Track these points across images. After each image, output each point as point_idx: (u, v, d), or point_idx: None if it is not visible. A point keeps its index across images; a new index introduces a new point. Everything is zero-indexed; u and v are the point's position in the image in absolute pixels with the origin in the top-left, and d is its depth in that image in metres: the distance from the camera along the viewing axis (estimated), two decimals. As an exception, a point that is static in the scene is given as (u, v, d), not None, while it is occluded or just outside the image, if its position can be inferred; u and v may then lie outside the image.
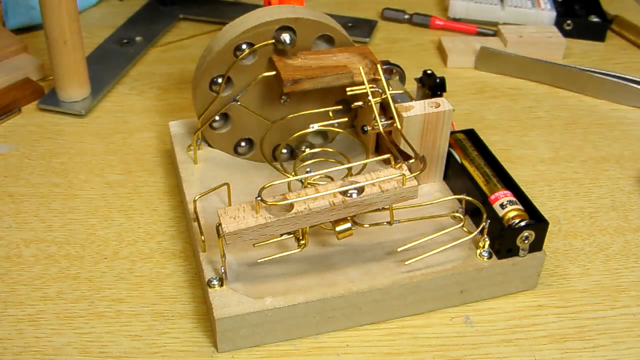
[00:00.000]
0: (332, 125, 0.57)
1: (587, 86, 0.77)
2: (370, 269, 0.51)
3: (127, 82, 0.77)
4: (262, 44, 0.56)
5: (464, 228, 0.54)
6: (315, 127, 0.55)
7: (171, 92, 0.76)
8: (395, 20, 0.91)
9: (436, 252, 0.51)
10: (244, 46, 0.56)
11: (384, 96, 0.55)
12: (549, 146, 0.70)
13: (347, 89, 0.56)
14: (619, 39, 0.88)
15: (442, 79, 0.61)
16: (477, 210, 0.53)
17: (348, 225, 0.50)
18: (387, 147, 0.54)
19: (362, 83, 0.56)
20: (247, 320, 0.48)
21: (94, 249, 0.57)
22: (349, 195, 0.48)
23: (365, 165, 0.58)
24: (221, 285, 0.49)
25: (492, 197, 0.54)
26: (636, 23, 0.88)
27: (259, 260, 0.51)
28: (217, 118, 0.59)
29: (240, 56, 0.56)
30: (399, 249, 0.51)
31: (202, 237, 0.52)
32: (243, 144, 0.61)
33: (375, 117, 0.55)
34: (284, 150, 0.62)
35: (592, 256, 0.58)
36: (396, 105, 0.55)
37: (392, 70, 0.62)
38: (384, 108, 0.56)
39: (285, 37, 0.55)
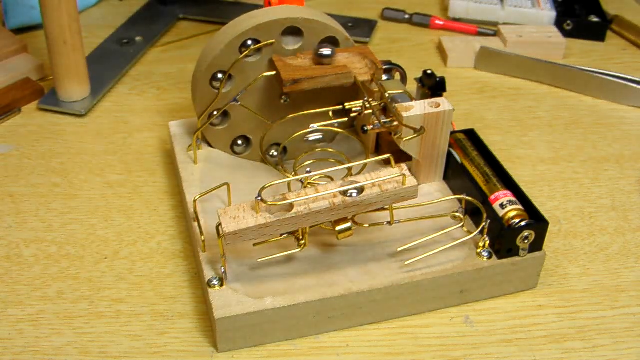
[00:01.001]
0: (332, 125, 0.57)
1: (587, 86, 0.77)
2: (370, 269, 0.51)
3: (127, 82, 0.77)
4: (266, 42, 0.56)
5: (464, 228, 0.54)
6: (315, 127, 0.55)
7: (171, 92, 0.76)
8: (395, 20, 0.91)
9: (436, 252, 0.51)
10: (249, 42, 0.56)
11: (383, 101, 0.55)
12: (549, 146, 0.70)
13: (346, 103, 0.56)
14: (619, 39, 0.88)
15: (442, 79, 0.61)
16: (477, 210, 0.53)
17: (348, 225, 0.50)
18: (388, 141, 0.54)
19: (363, 83, 0.56)
20: (247, 320, 0.48)
21: (94, 249, 0.57)
22: (349, 195, 0.48)
23: (365, 165, 0.58)
24: (221, 285, 0.49)
25: (492, 197, 0.54)
26: (636, 23, 0.88)
27: (259, 260, 0.51)
28: (214, 113, 0.59)
29: (245, 52, 0.56)
30: (399, 249, 0.51)
31: (202, 237, 0.52)
32: (240, 142, 0.61)
33: (375, 117, 0.55)
34: (274, 153, 0.61)
35: (592, 256, 0.58)
36: (396, 105, 0.55)
37: (394, 70, 0.62)
38: (385, 108, 0.56)
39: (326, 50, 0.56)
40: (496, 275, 0.52)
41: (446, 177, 0.59)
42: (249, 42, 0.56)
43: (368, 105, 0.55)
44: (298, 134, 0.57)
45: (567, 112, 0.75)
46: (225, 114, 0.60)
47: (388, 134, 0.58)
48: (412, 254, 0.51)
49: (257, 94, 0.59)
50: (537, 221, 0.52)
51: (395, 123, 0.54)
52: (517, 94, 0.78)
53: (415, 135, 0.53)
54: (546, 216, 0.52)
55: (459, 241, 0.52)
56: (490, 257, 0.52)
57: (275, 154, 0.61)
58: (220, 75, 0.57)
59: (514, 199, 0.53)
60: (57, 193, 0.62)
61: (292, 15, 0.56)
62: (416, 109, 0.55)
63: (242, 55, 0.56)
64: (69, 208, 0.61)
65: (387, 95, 0.55)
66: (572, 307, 0.53)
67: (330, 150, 0.60)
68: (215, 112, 0.59)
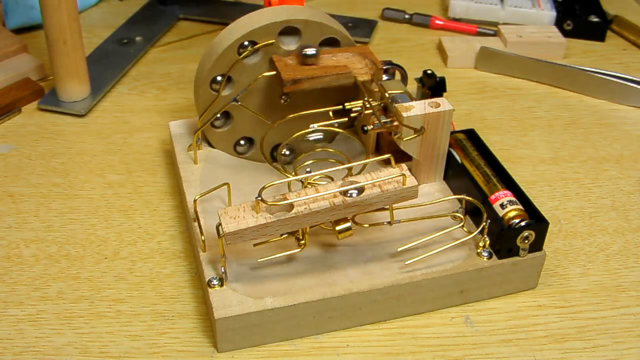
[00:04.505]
0: (332, 125, 0.57)
1: (587, 86, 0.77)
2: (370, 269, 0.51)
3: (127, 82, 0.77)
4: (264, 43, 0.56)
5: (464, 228, 0.54)
6: (315, 127, 0.55)
7: (171, 92, 0.76)
8: (395, 20, 0.91)
9: (436, 252, 0.51)
10: (246, 43, 0.56)
11: (383, 101, 0.55)
12: (549, 146, 0.70)
13: (346, 103, 0.56)
14: (619, 39, 0.88)
15: (442, 79, 0.61)
16: (477, 210, 0.53)
17: (348, 225, 0.50)
18: (388, 141, 0.54)
19: (363, 83, 0.56)
20: (247, 320, 0.48)
21: (94, 249, 0.57)
22: (349, 195, 0.48)
23: (365, 165, 0.58)
24: (221, 285, 0.49)
25: (492, 197, 0.54)
26: (636, 23, 0.89)
27: (259, 260, 0.51)
28: (218, 116, 0.59)
29: (243, 54, 0.56)
30: (399, 249, 0.51)
31: (202, 237, 0.52)
32: (242, 142, 0.61)
33: (375, 117, 0.55)
34: (286, 152, 0.62)
35: (592, 256, 0.58)
36: (396, 105, 0.55)
37: (394, 70, 0.62)
38: (385, 108, 0.56)
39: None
40: (496, 275, 0.52)
41: (446, 177, 0.59)
42: (246, 43, 0.56)
43: (368, 105, 0.55)
44: (298, 134, 0.57)
45: (567, 112, 0.75)
46: (227, 116, 0.60)
47: (388, 134, 0.58)
48: (412, 254, 0.51)
49: (257, 94, 0.59)
50: (537, 221, 0.52)
51: (396, 123, 0.54)
52: (517, 94, 0.78)
53: (415, 135, 0.53)
54: (546, 216, 0.52)
55: (459, 241, 0.52)
56: (490, 257, 0.52)
57: (288, 153, 0.61)
58: (219, 78, 0.57)
59: (514, 199, 0.53)
60: (57, 193, 0.62)
61: (292, 17, 0.56)
62: (416, 109, 0.55)
63: (240, 57, 0.56)
64: (69, 208, 0.61)
65: (387, 95, 0.55)
66: (572, 307, 0.53)
67: (330, 150, 0.60)
68: (219, 116, 0.59)
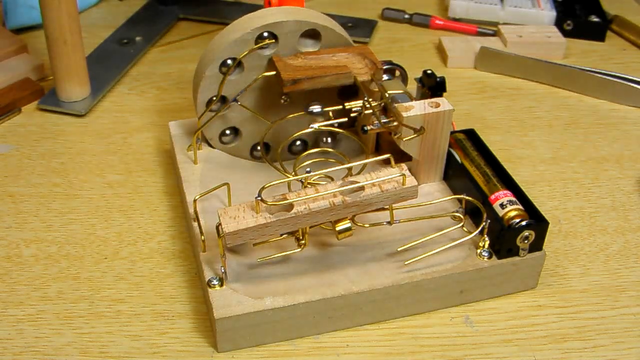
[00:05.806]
0: (332, 125, 0.57)
1: (587, 86, 0.77)
2: (370, 269, 0.51)
3: (127, 82, 0.77)
4: (264, 42, 0.56)
5: (464, 228, 0.54)
6: (315, 126, 0.55)
7: (171, 92, 0.76)
8: (395, 20, 0.91)
9: (436, 252, 0.51)
10: (265, 34, 0.56)
11: (383, 101, 0.55)
12: (549, 146, 0.70)
13: (346, 103, 0.56)
14: (619, 39, 0.88)
15: (442, 79, 0.61)
16: (477, 210, 0.53)
17: (348, 225, 0.50)
18: (388, 141, 0.54)
19: (362, 83, 0.56)
20: (247, 320, 0.48)
21: (94, 249, 0.57)
22: (348, 195, 0.48)
23: (365, 165, 0.58)
24: (221, 285, 0.49)
25: (492, 197, 0.54)
26: (636, 23, 0.88)
27: (259, 260, 0.51)
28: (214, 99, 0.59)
29: (260, 44, 0.56)
30: (399, 249, 0.51)
31: (202, 237, 0.52)
32: (228, 132, 0.61)
33: (375, 117, 0.55)
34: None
35: (592, 256, 0.58)
36: (396, 105, 0.55)
37: (395, 70, 0.62)
38: (385, 108, 0.56)
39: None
40: (496, 275, 0.52)
41: (446, 177, 0.59)
42: (265, 34, 0.56)
43: (368, 105, 0.55)
44: (298, 134, 0.57)
45: (567, 112, 0.75)
46: (224, 100, 0.60)
47: (388, 134, 0.58)
48: (412, 254, 0.51)
49: (257, 93, 0.59)
50: (537, 221, 0.52)
51: (395, 123, 0.54)
52: (517, 94, 0.78)
53: (415, 135, 0.53)
54: (546, 216, 0.52)
55: (459, 241, 0.52)
56: (490, 257, 0.52)
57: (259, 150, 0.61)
58: (230, 62, 0.57)
59: (514, 198, 0.53)
60: (57, 193, 0.62)
61: (312, 19, 0.56)
62: (416, 109, 0.55)
63: (257, 46, 0.56)
64: (69, 208, 0.61)
65: (387, 95, 0.55)
66: (572, 307, 0.53)
67: (330, 150, 0.60)
68: (214, 98, 0.59)
